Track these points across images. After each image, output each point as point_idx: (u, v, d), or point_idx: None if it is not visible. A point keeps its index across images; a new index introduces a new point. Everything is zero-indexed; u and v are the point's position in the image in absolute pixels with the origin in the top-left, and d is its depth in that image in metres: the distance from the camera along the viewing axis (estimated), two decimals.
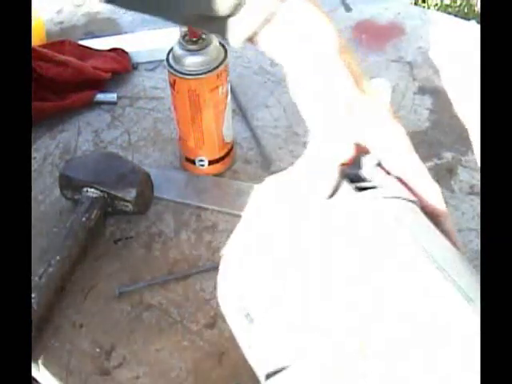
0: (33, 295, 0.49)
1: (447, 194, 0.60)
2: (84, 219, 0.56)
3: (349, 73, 0.40)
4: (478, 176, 0.63)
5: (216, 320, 0.52)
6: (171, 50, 0.58)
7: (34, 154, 0.66)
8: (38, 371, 0.48)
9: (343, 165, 0.39)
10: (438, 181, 0.40)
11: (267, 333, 0.35)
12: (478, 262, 0.33)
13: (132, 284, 0.54)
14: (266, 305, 0.35)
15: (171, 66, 0.57)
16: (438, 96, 0.72)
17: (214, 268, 0.55)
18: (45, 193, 0.63)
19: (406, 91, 0.73)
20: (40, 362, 0.49)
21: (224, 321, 0.51)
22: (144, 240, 0.58)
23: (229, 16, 0.41)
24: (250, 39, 0.42)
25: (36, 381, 0.48)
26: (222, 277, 0.40)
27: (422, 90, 0.73)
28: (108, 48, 0.77)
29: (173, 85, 0.58)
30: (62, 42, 0.78)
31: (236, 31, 0.42)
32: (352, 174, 0.39)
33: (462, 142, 0.67)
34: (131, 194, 0.57)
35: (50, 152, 0.67)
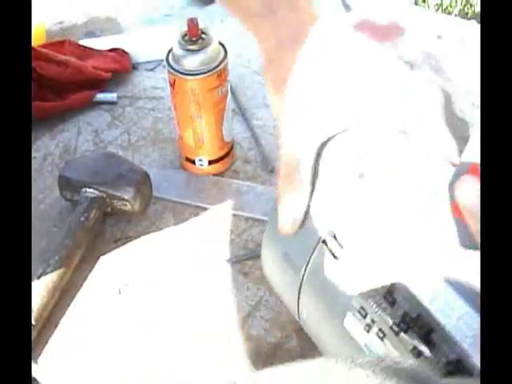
0: (32, 295, 0.49)
1: None
2: (83, 219, 0.56)
3: None
4: None
5: None
6: (171, 49, 0.58)
7: (34, 154, 0.66)
8: (38, 371, 0.48)
9: None
10: None
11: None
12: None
13: (132, 284, 0.54)
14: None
15: (171, 66, 0.57)
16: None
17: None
18: (45, 193, 0.63)
19: None
20: (40, 361, 0.49)
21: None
22: (144, 240, 0.58)
23: None
24: None
25: (36, 381, 0.48)
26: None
27: None
28: (108, 48, 0.77)
29: (173, 84, 0.58)
30: (61, 42, 0.78)
31: None
32: None
33: (462, 141, 0.67)
34: (129, 193, 0.57)
35: (49, 152, 0.67)
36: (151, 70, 0.77)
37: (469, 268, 0.31)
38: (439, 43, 0.71)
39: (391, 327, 0.32)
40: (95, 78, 0.73)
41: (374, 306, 0.33)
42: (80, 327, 0.52)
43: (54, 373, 0.49)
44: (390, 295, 0.32)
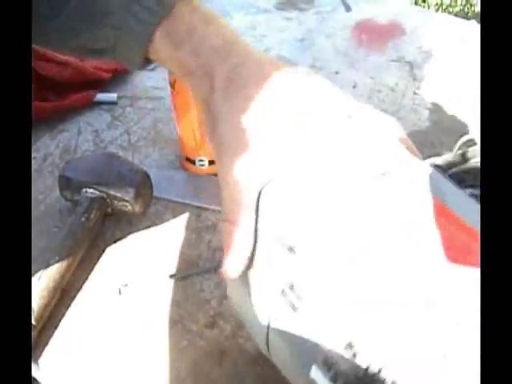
0: (32, 295, 0.49)
1: None
2: (83, 219, 0.56)
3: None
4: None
5: (216, 320, 0.52)
6: None
7: (34, 154, 0.66)
8: (38, 371, 0.48)
9: None
10: None
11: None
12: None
13: (132, 284, 0.54)
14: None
15: None
16: (438, 96, 0.73)
17: (214, 268, 0.56)
18: (45, 193, 0.63)
19: (405, 91, 0.73)
20: (40, 362, 0.49)
21: (224, 321, 0.51)
22: (144, 240, 0.58)
23: (114, 46, 0.42)
24: (148, 58, 0.43)
25: (36, 381, 0.48)
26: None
27: (421, 90, 0.73)
28: None
29: (173, 85, 0.58)
30: None
31: (130, 55, 0.42)
32: None
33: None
34: (130, 193, 0.57)
35: (50, 152, 0.67)
36: (151, 70, 0.77)
37: (457, 285, 0.30)
38: (439, 43, 0.71)
39: (356, 381, 0.30)
40: (95, 78, 0.73)
41: (337, 358, 0.31)
42: (80, 328, 0.52)
43: (55, 373, 0.49)
44: (350, 347, 0.31)
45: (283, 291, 0.34)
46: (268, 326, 0.35)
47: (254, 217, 0.36)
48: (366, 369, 0.30)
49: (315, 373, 0.33)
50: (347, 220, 0.34)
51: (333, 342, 0.32)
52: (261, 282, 0.36)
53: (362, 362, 0.30)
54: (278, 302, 0.34)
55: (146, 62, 0.44)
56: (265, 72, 0.38)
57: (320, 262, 0.33)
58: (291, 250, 0.34)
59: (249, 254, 0.36)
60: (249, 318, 0.38)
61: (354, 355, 0.31)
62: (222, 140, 0.38)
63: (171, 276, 0.54)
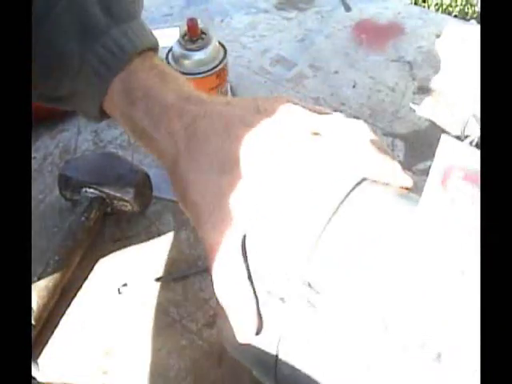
0: (32, 295, 0.49)
1: None
2: (83, 219, 0.56)
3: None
4: None
5: (215, 320, 0.52)
6: (170, 49, 0.58)
7: (34, 154, 0.66)
8: (38, 371, 0.48)
9: None
10: None
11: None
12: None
13: (131, 284, 0.54)
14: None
15: (170, 66, 0.57)
16: (438, 96, 0.73)
17: None
18: (45, 192, 0.63)
19: (405, 91, 0.73)
20: (40, 361, 0.49)
21: (223, 321, 0.51)
22: (143, 240, 0.58)
23: (70, 96, 0.42)
24: (103, 111, 0.42)
25: (36, 380, 0.48)
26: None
27: (421, 90, 0.73)
28: None
29: None
30: None
31: (86, 106, 0.42)
32: None
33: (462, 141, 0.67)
34: (129, 193, 0.57)
35: (49, 152, 0.67)
36: None
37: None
38: (439, 43, 0.71)
39: (392, 362, 0.30)
40: None
41: (368, 345, 0.31)
42: (80, 327, 0.52)
43: (54, 373, 0.49)
44: (385, 328, 0.31)
45: (299, 293, 0.33)
46: (277, 349, 0.34)
47: (246, 273, 0.35)
48: (405, 348, 0.30)
49: (339, 370, 0.32)
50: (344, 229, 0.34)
51: (363, 329, 0.31)
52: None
53: (398, 340, 0.30)
54: (292, 309, 0.34)
55: (104, 115, 0.42)
56: (222, 121, 0.37)
57: (340, 256, 0.33)
58: (282, 299, 0.34)
59: (256, 309, 0.35)
60: (252, 356, 0.37)
61: (389, 335, 0.30)
62: (195, 203, 0.36)
63: (157, 279, 0.54)
